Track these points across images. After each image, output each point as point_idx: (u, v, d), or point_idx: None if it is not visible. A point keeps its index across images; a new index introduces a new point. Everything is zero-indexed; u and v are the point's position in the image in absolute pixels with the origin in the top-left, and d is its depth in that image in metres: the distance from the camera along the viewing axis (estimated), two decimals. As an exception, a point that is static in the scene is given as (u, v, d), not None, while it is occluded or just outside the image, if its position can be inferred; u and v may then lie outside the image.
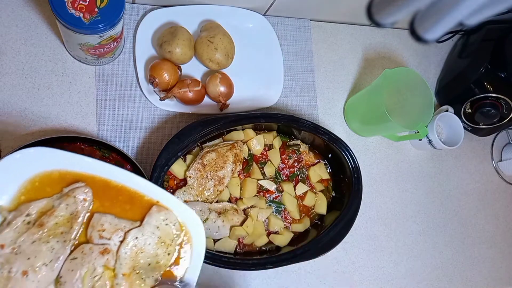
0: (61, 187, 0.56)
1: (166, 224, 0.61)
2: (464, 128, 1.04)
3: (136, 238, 0.59)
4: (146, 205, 0.60)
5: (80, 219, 0.56)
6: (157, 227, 0.60)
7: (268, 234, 0.81)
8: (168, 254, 0.61)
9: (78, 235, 0.56)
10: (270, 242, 0.81)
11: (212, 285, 0.81)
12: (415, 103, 0.91)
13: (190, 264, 0.62)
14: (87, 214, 0.58)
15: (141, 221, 0.60)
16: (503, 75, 0.96)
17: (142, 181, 0.60)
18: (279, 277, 0.86)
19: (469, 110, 1.02)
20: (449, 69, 1.10)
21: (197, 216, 0.63)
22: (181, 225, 0.62)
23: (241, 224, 0.78)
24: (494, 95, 0.96)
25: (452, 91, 1.06)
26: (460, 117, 1.02)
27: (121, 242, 0.58)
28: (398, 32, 1.11)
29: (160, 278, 0.60)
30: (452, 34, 1.11)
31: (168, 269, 0.61)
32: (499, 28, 1.00)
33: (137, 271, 0.59)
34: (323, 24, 1.03)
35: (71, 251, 0.56)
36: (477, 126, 1.04)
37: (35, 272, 0.52)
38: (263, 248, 0.81)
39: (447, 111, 1.03)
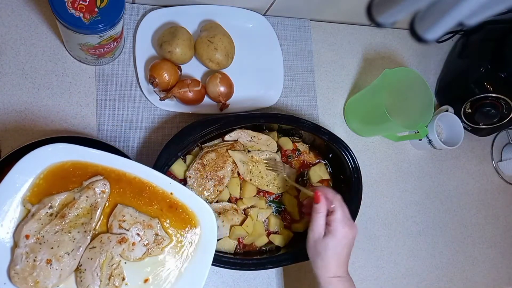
0: (81, 181, 0.59)
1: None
2: (464, 128, 1.04)
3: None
4: (162, 198, 0.63)
5: (99, 210, 0.59)
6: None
7: (268, 234, 0.81)
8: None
9: (98, 225, 0.59)
10: (270, 242, 0.81)
11: (212, 285, 0.81)
12: (415, 103, 0.91)
13: (200, 256, 0.64)
14: (106, 205, 0.61)
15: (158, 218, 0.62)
16: (503, 75, 0.96)
17: (158, 174, 0.62)
18: (279, 277, 0.86)
19: (469, 110, 1.02)
20: (449, 69, 1.10)
21: (210, 208, 0.65)
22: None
23: (241, 224, 0.78)
24: (494, 95, 0.96)
25: (452, 91, 1.06)
26: (460, 117, 1.02)
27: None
28: (398, 32, 1.11)
29: None
30: (452, 34, 1.11)
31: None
32: (499, 28, 1.00)
33: None
34: (323, 24, 1.03)
35: (91, 240, 0.58)
36: (477, 126, 1.04)
37: (59, 260, 0.55)
38: (263, 248, 0.81)
39: (447, 111, 1.03)
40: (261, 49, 0.93)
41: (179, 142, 0.74)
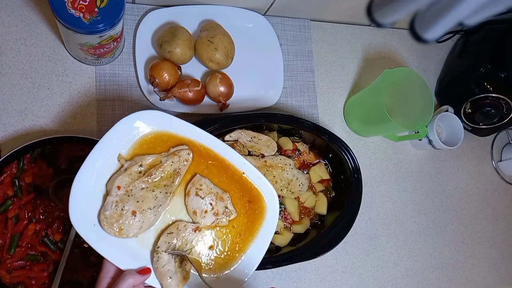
0: (169, 147, 0.65)
1: None
2: (464, 128, 1.04)
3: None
4: (234, 176, 0.68)
5: (181, 176, 0.65)
6: None
7: (268, 234, 0.81)
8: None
9: (177, 189, 0.65)
10: (270, 242, 0.81)
11: (212, 285, 0.81)
12: (415, 103, 0.91)
13: (261, 236, 0.69)
14: (185, 172, 0.66)
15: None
16: (503, 75, 0.96)
17: (233, 152, 0.67)
18: (279, 277, 0.86)
19: (469, 110, 1.02)
20: (449, 69, 1.10)
21: (275, 192, 0.68)
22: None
23: (241, 224, 0.78)
24: (494, 95, 0.96)
25: (452, 91, 1.06)
26: (460, 117, 1.02)
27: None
28: (398, 32, 1.11)
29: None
30: (452, 34, 1.11)
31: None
32: (499, 28, 1.00)
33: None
34: (323, 24, 1.03)
35: (168, 226, 0.63)
36: (477, 126, 1.04)
37: (142, 213, 0.61)
38: (263, 248, 0.81)
39: (447, 111, 1.03)
40: (261, 49, 0.93)
41: (179, 142, 0.74)
